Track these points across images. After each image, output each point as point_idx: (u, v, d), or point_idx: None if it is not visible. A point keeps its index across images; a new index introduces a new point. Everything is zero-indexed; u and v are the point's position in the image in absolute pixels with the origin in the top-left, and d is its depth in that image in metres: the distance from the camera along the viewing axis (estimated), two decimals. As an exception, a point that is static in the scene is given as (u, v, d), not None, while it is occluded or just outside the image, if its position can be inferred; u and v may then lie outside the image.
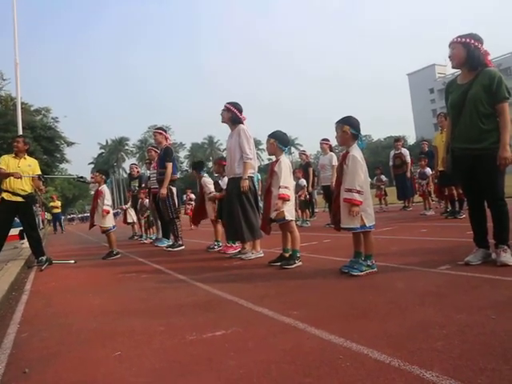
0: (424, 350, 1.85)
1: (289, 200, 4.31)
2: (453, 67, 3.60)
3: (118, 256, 6.73)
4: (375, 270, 3.57)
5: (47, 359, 2.26)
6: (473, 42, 3.40)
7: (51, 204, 22.09)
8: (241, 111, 5.37)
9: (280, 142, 4.50)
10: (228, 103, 5.40)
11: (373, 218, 3.63)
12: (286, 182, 4.34)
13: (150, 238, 9.48)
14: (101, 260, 6.57)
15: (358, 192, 3.50)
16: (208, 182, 6.62)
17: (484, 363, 1.67)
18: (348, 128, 3.68)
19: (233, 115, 5.33)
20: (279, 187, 4.29)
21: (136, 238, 10.64)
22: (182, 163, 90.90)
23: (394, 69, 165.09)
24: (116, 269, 5.46)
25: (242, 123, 5.36)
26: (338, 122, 3.77)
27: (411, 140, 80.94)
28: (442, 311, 2.38)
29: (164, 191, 6.85)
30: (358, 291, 3.09)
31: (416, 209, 10.72)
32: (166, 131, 7.53)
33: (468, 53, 3.41)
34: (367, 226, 3.56)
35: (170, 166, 6.94)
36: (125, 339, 2.46)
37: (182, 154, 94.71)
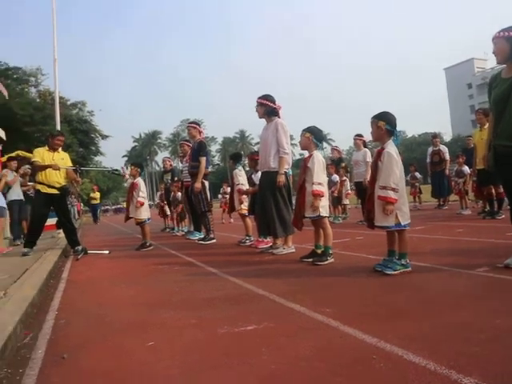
0: (461, 355, 1.79)
1: (323, 196, 4.27)
2: (498, 63, 3.45)
3: (151, 248, 6.85)
4: (409, 269, 3.49)
5: (83, 346, 2.33)
6: None
7: (91, 195, 22.67)
8: (274, 102, 5.34)
9: (315, 137, 4.46)
10: (260, 98, 5.37)
11: (408, 216, 3.55)
12: (319, 178, 4.30)
13: (182, 231, 9.61)
14: (134, 251, 6.71)
15: (393, 190, 3.42)
16: (239, 173, 6.62)
17: (526, 370, 1.61)
18: (383, 124, 3.60)
19: (267, 108, 5.31)
20: (312, 183, 4.26)
21: (168, 230, 10.81)
22: (213, 157, 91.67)
23: (432, 62, 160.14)
24: (149, 260, 5.56)
25: (278, 114, 5.32)
26: (373, 118, 3.69)
27: (447, 137, 78.70)
28: (479, 315, 2.31)
29: (198, 185, 6.92)
30: (392, 290, 3.03)
31: (451, 208, 10.43)
32: (199, 125, 7.60)
33: (511, 48, 3.27)
34: (402, 224, 3.48)
35: (203, 160, 6.99)
36: (157, 330, 2.49)
37: (214, 148, 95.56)
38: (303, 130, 4.51)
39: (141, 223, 6.93)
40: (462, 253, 4.30)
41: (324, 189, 4.31)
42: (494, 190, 7.27)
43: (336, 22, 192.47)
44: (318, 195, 4.21)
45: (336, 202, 9.83)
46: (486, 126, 6.13)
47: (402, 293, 2.95)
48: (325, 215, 4.32)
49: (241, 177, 6.56)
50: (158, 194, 11.79)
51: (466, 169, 9.33)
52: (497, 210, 7.40)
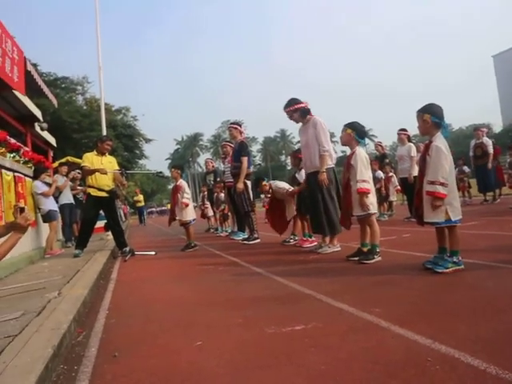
0: (526, 358, 1.69)
1: (369, 193, 4.16)
2: None
3: (196, 248, 6.94)
4: (462, 267, 3.33)
5: (134, 345, 2.37)
6: None
7: (135, 198, 23.31)
8: (300, 102, 5.27)
9: (357, 133, 4.35)
10: (286, 106, 5.34)
11: (459, 211, 3.39)
12: (363, 175, 4.19)
13: (226, 231, 9.68)
14: (179, 252, 6.81)
15: (442, 184, 3.28)
16: (278, 185, 6.50)
17: None
18: (429, 117, 3.45)
19: (299, 111, 5.24)
20: (357, 181, 4.16)
21: (212, 231, 10.92)
22: (254, 157, 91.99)
23: (478, 50, 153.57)
24: (194, 261, 5.63)
25: (310, 111, 5.24)
26: (418, 111, 3.55)
27: (497, 128, 75.20)
28: (543, 314, 2.16)
29: (241, 185, 6.94)
30: (444, 289, 2.91)
31: (503, 201, 9.93)
32: (240, 125, 7.63)
33: None
34: (453, 220, 3.33)
35: (245, 160, 7.01)
36: (204, 330, 2.51)
37: (255, 148, 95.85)
38: (344, 126, 4.41)
39: (185, 224, 7.03)
40: (519, 249, 4.07)
41: (369, 186, 4.20)
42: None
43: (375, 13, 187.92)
44: (363, 193, 4.12)
45: (382, 198, 9.58)
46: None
47: (455, 292, 2.82)
48: (373, 212, 4.22)
49: (281, 186, 6.43)
50: (201, 195, 11.95)
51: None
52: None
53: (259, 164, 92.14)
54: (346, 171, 4.35)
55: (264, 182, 6.61)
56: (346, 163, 4.41)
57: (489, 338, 1.93)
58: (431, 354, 1.82)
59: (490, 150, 9.98)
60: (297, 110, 5.25)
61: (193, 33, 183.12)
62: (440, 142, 3.38)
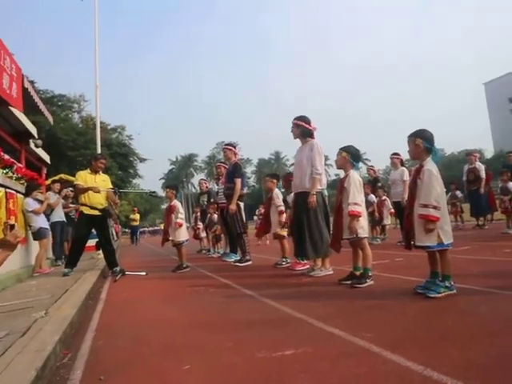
0: (518, 385, 1.66)
1: (360, 216, 4.17)
2: None
3: (187, 269, 6.86)
4: (454, 291, 3.32)
5: (121, 368, 2.32)
6: None
7: (131, 216, 23.08)
8: (309, 123, 5.33)
9: (352, 156, 4.39)
10: (295, 119, 5.37)
11: (451, 235, 3.40)
12: (355, 198, 4.20)
13: (218, 253, 9.62)
14: (170, 273, 6.74)
15: (435, 207, 3.30)
16: (280, 194, 6.59)
17: None
18: (421, 141, 3.50)
19: (302, 129, 5.30)
20: (348, 204, 4.17)
21: (204, 252, 10.85)
22: (248, 179, 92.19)
23: (469, 78, 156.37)
24: (185, 282, 5.57)
25: (313, 135, 5.30)
26: (410, 136, 3.60)
27: (488, 153, 76.20)
28: (536, 341, 2.15)
29: (233, 207, 6.93)
30: (436, 314, 2.89)
31: (495, 227, 9.97)
32: (235, 147, 7.67)
33: None
34: (445, 243, 3.33)
35: (238, 181, 7.02)
36: (194, 352, 2.46)
37: (249, 170, 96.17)
38: (340, 150, 4.46)
39: (178, 245, 6.97)
40: (511, 274, 4.07)
41: (361, 209, 4.21)
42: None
43: (372, 35, 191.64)
44: (354, 215, 4.12)
45: (374, 222, 9.59)
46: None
47: (447, 317, 2.79)
48: (364, 236, 4.21)
49: (280, 198, 6.52)
50: (193, 216, 11.92)
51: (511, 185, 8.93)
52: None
53: (253, 186, 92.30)
54: (339, 194, 4.37)
55: (274, 180, 6.66)
56: (339, 186, 4.43)
57: (481, 364, 1.90)
58: (424, 380, 1.80)
59: (483, 174, 10.07)
60: (299, 127, 5.31)
61: (191, 54, 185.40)
62: (431, 165, 3.42)
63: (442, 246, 3.33)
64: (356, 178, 4.31)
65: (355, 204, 4.17)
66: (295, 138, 5.44)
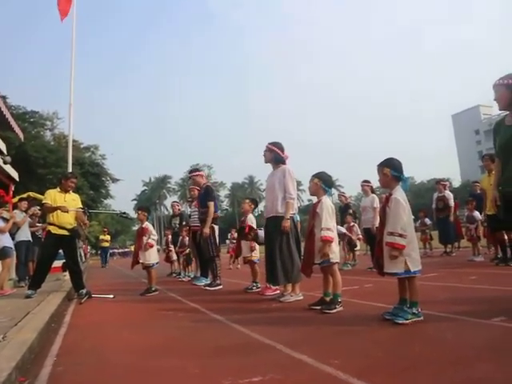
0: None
1: (332, 242, 4.19)
2: (500, 109, 3.49)
3: (156, 293, 6.72)
4: (421, 318, 3.35)
5: (80, 397, 2.22)
6: None
7: (101, 237, 22.57)
8: (283, 150, 5.40)
9: (324, 182, 4.44)
10: (270, 143, 5.44)
11: (418, 262, 3.45)
12: (328, 223, 4.24)
13: (188, 276, 9.48)
14: (139, 296, 6.58)
15: (401, 235, 3.36)
16: (253, 219, 6.58)
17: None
18: (388, 170, 3.58)
19: (275, 155, 5.36)
20: (321, 229, 4.19)
21: (174, 275, 10.67)
22: (222, 202, 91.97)
23: (439, 109, 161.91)
24: (153, 306, 5.45)
25: (285, 162, 5.37)
26: (379, 165, 3.70)
27: (456, 183, 78.58)
28: (501, 368, 2.17)
29: (207, 230, 6.88)
30: (404, 341, 2.91)
31: (462, 254, 10.20)
32: (200, 170, 7.68)
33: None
34: (412, 271, 3.38)
35: (211, 204, 7.00)
36: (159, 379, 2.39)
37: (223, 193, 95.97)
38: (312, 176, 4.51)
39: (148, 267, 6.83)
40: (477, 301, 4.15)
41: (333, 234, 4.24)
42: (506, 236, 7.13)
43: (338, 71, 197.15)
44: (326, 241, 4.14)
45: (351, 247, 9.75)
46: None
47: (414, 344, 2.81)
48: (335, 261, 4.23)
49: (253, 223, 6.51)
50: (165, 239, 11.77)
51: (477, 214, 9.19)
52: (510, 257, 7.23)
53: (226, 209, 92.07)
54: (311, 219, 4.39)
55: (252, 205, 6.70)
56: (311, 211, 4.45)
57: (446, 393, 1.91)
58: (389, 408, 1.79)
59: (451, 203, 10.33)
60: (273, 152, 5.37)
61: (168, 75, 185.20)
62: (399, 194, 3.50)
63: (408, 273, 3.37)
64: (328, 204, 4.35)
65: (328, 229, 4.19)
66: (266, 162, 5.49)
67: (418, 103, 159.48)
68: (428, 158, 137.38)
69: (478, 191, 9.76)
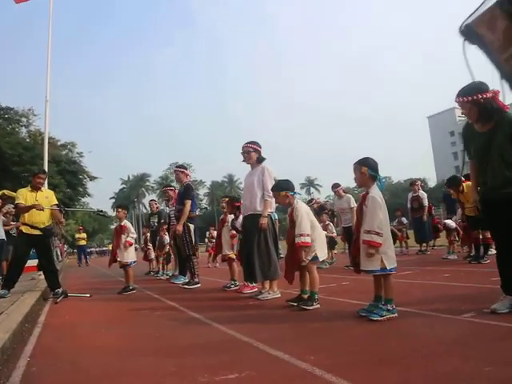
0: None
1: (307, 247, 4.21)
2: (470, 122, 3.52)
3: (134, 291, 6.67)
4: (395, 315, 3.42)
5: (54, 396, 2.20)
6: (480, 96, 3.25)
7: (77, 236, 22.23)
8: (260, 147, 5.45)
9: (291, 190, 4.45)
10: (253, 144, 5.45)
11: (394, 260, 3.52)
12: (302, 229, 4.17)
13: (167, 275, 9.43)
14: (116, 295, 6.52)
15: (377, 234, 3.42)
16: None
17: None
18: (366, 169, 3.64)
19: (259, 155, 5.40)
20: (296, 235, 4.20)
21: (152, 274, 10.60)
22: (201, 201, 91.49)
23: (417, 110, 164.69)
24: (130, 304, 5.41)
25: (263, 160, 5.41)
26: (356, 164, 3.74)
27: (432, 183, 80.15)
28: (469, 362, 2.24)
29: (180, 228, 6.85)
30: (378, 337, 2.96)
31: (437, 253, 10.42)
32: (186, 169, 7.63)
33: (480, 109, 3.29)
34: (387, 268, 3.44)
35: (188, 202, 6.97)
36: (134, 379, 2.38)
37: (202, 192, 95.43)
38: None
39: (125, 266, 6.77)
40: (450, 298, 4.25)
41: (308, 239, 4.14)
42: (480, 235, 7.32)
43: (312, 75, 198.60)
44: (300, 247, 4.15)
45: (331, 245, 9.88)
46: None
47: (388, 340, 2.88)
48: (317, 258, 4.25)
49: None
50: (143, 237, 11.67)
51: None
52: (482, 255, 7.42)
53: (205, 208, 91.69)
54: (291, 227, 4.34)
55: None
56: (289, 219, 4.42)
57: (417, 386, 1.96)
58: (362, 403, 1.82)
59: (425, 202, 10.55)
60: (257, 152, 5.40)
61: (149, 76, 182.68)
62: (375, 193, 3.56)
63: (384, 270, 3.44)
64: (302, 209, 4.34)
65: (301, 235, 4.15)
66: (249, 163, 5.49)
67: (394, 105, 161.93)
68: (405, 158, 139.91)
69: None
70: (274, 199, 5.20)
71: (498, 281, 3.55)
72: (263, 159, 5.44)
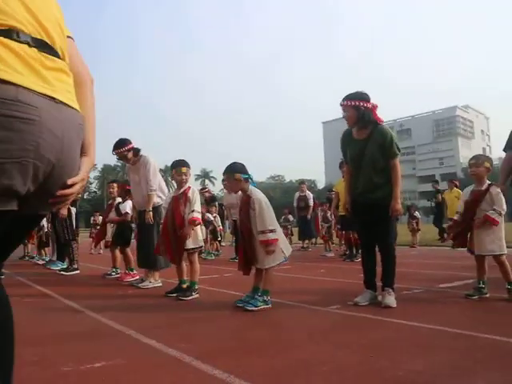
0: (303, 387, 1.88)
1: (200, 223, 4.26)
2: (349, 126, 3.88)
3: (2, 277, 6.10)
4: (269, 306, 3.60)
5: None
6: (362, 103, 3.67)
7: None
8: (130, 141, 5.25)
9: (240, 172, 4.40)
10: (117, 147, 5.16)
11: (288, 249, 3.77)
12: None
13: (43, 260, 8.80)
14: (-21, 280, 5.92)
15: (271, 231, 3.58)
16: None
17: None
18: (239, 175, 3.71)
19: (132, 150, 5.21)
20: (192, 211, 4.19)
21: (27, 258, 9.81)
22: (90, 184, 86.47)
23: (312, 116, 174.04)
24: (-4, 291, 4.95)
25: (139, 151, 5.27)
26: (227, 173, 3.80)
27: (321, 184, 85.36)
28: (325, 348, 2.45)
29: (64, 211, 6.44)
30: (251, 326, 3.10)
31: (318, 250, 11.11)
32: None
33: (359, 114, 3.69)
34: (286, 256, 3.71)
35: None
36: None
37: (92, 175, 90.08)
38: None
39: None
40: (321, 291, 4.59)
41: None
42: (352, 236, 7.97)
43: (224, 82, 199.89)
44: (194, 221, 4.16)
45: (214, 237, 9.99)
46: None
47: (260, 329, 3.02)
48: (197, 246, 4.29)
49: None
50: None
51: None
52: (355, 253, 8.11)
53: (95, 192, 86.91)
54: (181, 204, 4.28)
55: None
56: (182, 197, 4.36)
57: (278, 371, 2.09)
58: (225, 387, 1.90)
59: (311, 202, 11.17)
60: (130, 150, 5.19)
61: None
62: (256, 193, 3.73)
63: (286, 259, 3.71)
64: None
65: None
66: (132, 164, 5.30)
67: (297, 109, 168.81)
68: (299, 160, 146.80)
69: (333, 196, 10.78)
70: (163, 190, 5.15)
71: (361, 277, 3.93)
72: (139, 150, 5.26)
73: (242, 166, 3.82)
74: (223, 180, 9.00)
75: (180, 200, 4.33)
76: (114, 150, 5.15)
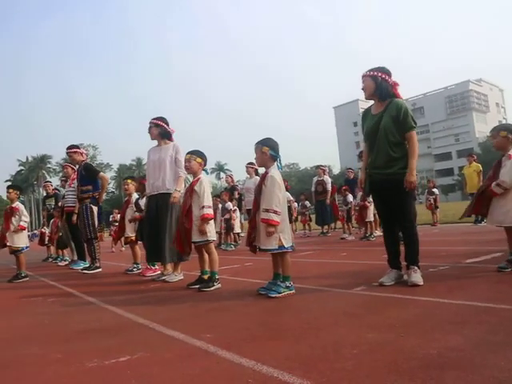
0: (334, 370, 1.81)
1: (212, 219, 4.21)
2: (365, 98, 3.82)
3: (26, 279, 6.19)
4: (293, 291, 3.54)
5: None
6: (380, 74, 3.65)
7: None
8: (168, 125, 5.27)
9: (204, 160, 4.40)
10: (155, 119, 5.27)
11: (290, 239, 3.62)
12: (209, 201, 4.24)
13: (65, 260, 8.90)
14: (6, 283, 6.00)
15: (275, 212, 3.48)
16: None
17: (391, 381, 1.66)
18: (267, 149, 3.68)
19: (162, 130, 5.21)
20: (202, 207, 4.16)
21: (50, 260, 9.95)
22: (108, 184, 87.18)
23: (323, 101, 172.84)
24: (21, 292, 5.01)
25: (172, 137, 5.25)
26: (257, 144, 3.76)
27: (336, 170, 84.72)
28: (354, 331, 2.38)
29: (100, 200, 6.86)
30: (274, 313, 3.05)
31: (337, 234, 10.98)
32: (79, 148, 7.11)
33: (376, 85, 3.65)
34: (285, 246, 3.53)
35: (103, 176, 6.95)
36: (18, 369, 2.19)
37: (109, 175, 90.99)
38: (190, 153, 4.36)
39: (16, 252, 6.23)
40: (344, 275, 4.51)
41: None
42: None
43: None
44: (206, 218, 4.13)
45: (229, 228, 9.87)
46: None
47: (284, 315, 2.97)
48: (212, 239, 4.25)
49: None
50: (43, 221, 10.86)
51: (350, 197, 9.95)
52: (369, 234, 8.08)
53: (112, 192, 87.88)
54: (188, 197, 4.27)
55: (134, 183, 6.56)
56: (188, 189, 4.36)
57: (306, 356, 2.03)
58: (253, 375, 1.85)
59: (329, 187, 11.08)
60: (159, 128, 5.21)
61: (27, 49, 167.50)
62: (275, 172, 3.62)
63: (282, 248, 3.52)
64: (207, 182, 4.34)
65: (209, 207, 4.19)
66: (153, 139, 5.30)
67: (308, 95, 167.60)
68: (315, 146, 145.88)
69: (352, 177, 10.61)
70: (186, 176, 5.08)
71: (385, 257, 3.84)
72: (169, 135, 5.27)
73: (275, 143, 3.76)
74: (248, 163, 8.98)
75: (187, 192, 4.32)
76: (152, 119, 5.31)
